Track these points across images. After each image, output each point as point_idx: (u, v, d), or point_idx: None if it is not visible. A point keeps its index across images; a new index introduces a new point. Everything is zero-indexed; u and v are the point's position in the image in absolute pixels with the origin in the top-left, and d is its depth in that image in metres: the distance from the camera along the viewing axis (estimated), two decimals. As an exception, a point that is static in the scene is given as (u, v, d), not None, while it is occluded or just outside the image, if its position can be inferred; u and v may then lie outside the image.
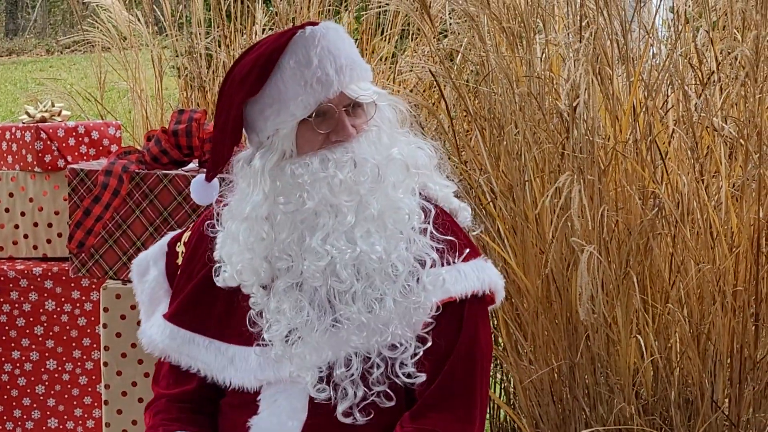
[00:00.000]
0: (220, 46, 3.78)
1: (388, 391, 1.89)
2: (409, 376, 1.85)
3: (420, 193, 1.90)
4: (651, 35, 3.00)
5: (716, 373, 2.69)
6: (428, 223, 1.88)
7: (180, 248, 2.11)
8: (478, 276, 1.88)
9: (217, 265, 1.93)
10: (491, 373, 2.95)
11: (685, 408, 2.78)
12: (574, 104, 2.75)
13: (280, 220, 1.89)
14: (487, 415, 3.02)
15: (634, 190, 2.74)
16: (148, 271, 2.12)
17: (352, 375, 1.88)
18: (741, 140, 2.67)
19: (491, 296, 1.91)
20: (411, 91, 3.28)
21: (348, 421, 1.89)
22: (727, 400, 2.69)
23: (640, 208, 2.74)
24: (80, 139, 2.99)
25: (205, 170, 2.06)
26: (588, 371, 2.83)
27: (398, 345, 1.85)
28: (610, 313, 2.75)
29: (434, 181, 1.93)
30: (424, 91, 3.32)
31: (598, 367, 2.82)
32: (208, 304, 2.02)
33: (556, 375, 2.91)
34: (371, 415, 1.90)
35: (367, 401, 1.87)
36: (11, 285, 2.91)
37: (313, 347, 1.87)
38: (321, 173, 1.85)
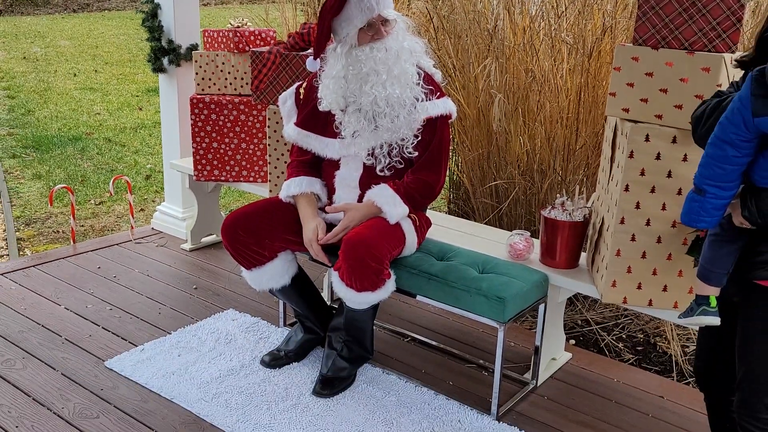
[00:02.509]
0: None
1: (401, 161, 2.58)
2: (410, 153, 2.55)
3: (416, 65, 2.57)
4: None
5: (556, 156, 3.44)
6: (420, 79, 2.54)
7: (301, 90, 2.72)
8: (444, 106, 2.58)
9: (320, 99, 2.56)
10: (450, 155, 3.51)
11: (541, 173, 3.49)
12: (495, 24, 3.52)
13: (350, 77, 2.48)
14: (447, 175, 3.64)
15: (522, 68, 3.47)
16: (286, 101, 2.73)
17: (384, 152, 2.56)
18: (575, 45, 3.35)
19: (450, 115, 2.57)
20: (415, 16, 3.82)
21: (382, 174, 2.59)
22: (560, 169, 3.43)
23: (524, 76, 3.47)
24: (256, 36, 3.67)
25: (312, 53, 2.62)
26: (496, 154, 3.58)
27: (405, 138, 2.54)
28: (508, 126, 3.50)
29: (423, 59, 2.60)
30: (423, 19, 3.80)
31: (500, 152, 3.57)
32: (316, 117, 2.61)
33: (480, 156, 3.63)
34: (393, 171, 2.60)
35: (391, 165, 2.58)
36: (224, 107, 3.65)
37: (365, 139, 2.55)
38: (370, 54, 2.47)
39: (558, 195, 2.87)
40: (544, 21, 3.50)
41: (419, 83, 2.50)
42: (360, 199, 2.60)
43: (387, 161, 2.54)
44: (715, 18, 2.19)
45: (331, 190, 2.66)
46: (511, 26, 3.52)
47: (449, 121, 2.60)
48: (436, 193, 2.57)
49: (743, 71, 1.76)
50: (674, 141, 2.22)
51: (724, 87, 2.13)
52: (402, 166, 2.56)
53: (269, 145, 3.40)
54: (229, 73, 3.72)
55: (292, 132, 2.64)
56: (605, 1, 3.36)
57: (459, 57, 3.62)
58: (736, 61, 1.78)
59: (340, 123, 2.55)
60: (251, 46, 3.68)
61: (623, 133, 2.34)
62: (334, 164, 2.62)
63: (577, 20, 3.40)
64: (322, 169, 2.72)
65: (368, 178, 2.59)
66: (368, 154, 2.53)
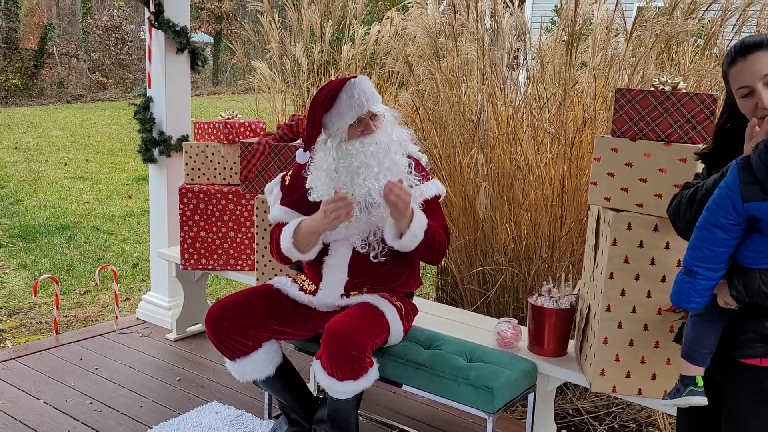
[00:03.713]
0: (313, 86, 4.56)
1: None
2: None
3: (406, 153, 2.63)
4: (516, 84, 3.74)
5: (542, 243, 3.49)
6: (411, 167, 2.60)
7: (287, 178, 2.72)
8: (435, 187, 2.65)
9: (310, 189, 2.58)
10: None
11: (527, 260, 3.54)
12: (479, 116, 3.62)
13: (341, 170, 2.51)
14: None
15: (506, 157, 3.58)
16: (273, 190, 2.76)
17: (378, 239, 2.57)
18: (557, 135, 3.44)
19: (439, 195, 2.65)
20: (402, 108, 3.92)
21: (375, 261, 2.54)
22: (546, 255, 3.48)
23: (509, 165, 3.57)
24: (246, 128, 3.76)
25: (303, 144, 2.66)
26: (482, 241, 3.62)
27: None
28: (494, 214, 3.56)
29: (411, 146, 2.63)
30: (409, 110, 3.93)
31: (487, 239, 3.62)
32: (304, 204, 2.62)
33: (467, 243, 3.68)
34: (387, 257, 2.56)
35: (386, 251, 2.58)
36: (212, 196, 3.72)
37: (360, 227, 2.56)
38: (360, 148, 2.51)
39: (544, 282, 2.89)
40: (527, 112, 3.61)
41: (411, 171, 2.57)
42: (347, 287, 2.60)
43: (381, 248, 2.56)
44: (689, 111, 2.27)
45: (317, 277, 2.67)
46: (494, 117, 3.63)
47: (439, 200, 2.68)
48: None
49: (703, 163, 1.84)
50: (656, 229, 2.26)
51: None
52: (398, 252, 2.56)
53: (257, 233, 3.44)
54: (218, 163, 3.80)
55: (278, 212, 2.66)
56: (585, 93, 3.48)
57: (444, 146, 3.72)
58: (696, 153, 1.86)
59: (334, 213, 2.56)
60: (241, 137, 3.77)
61: (606, 221, 2.38)
62: (322, 249, 2.64)
63: (559, 111, 3.50)
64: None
65: (359, 265, 2.60)
66: (362, 242, 2.56)
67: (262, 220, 3.42)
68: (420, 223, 2.46)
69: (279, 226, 2.65)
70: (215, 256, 3.80)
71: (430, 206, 2.60)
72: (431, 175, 2.67)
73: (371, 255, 2.55)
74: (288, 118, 3.59)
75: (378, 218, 2.51)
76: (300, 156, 2.69)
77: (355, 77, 2.51)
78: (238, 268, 3.79)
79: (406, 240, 2.45)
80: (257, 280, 3.47)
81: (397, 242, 2.46)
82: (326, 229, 2.48)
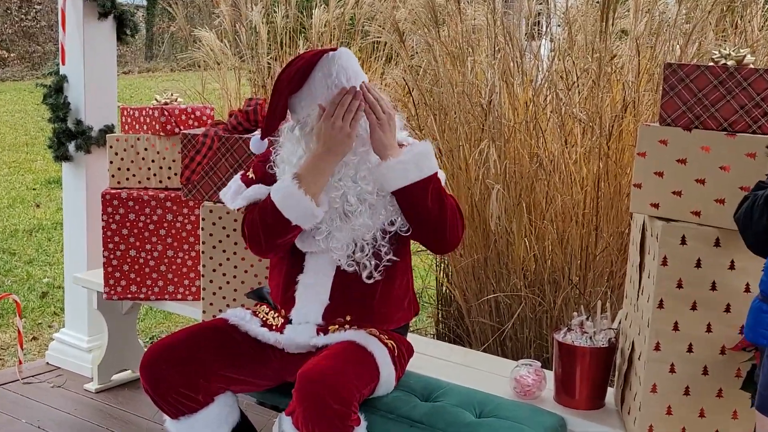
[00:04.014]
0: (276, 61, 4.57)
1: (393, 257, 2.57)
2: (407, 230, 2.55)
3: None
4: (537, 59, 3.76)
5: (571, 263, 3.53)
6: None
7: (250, 174, 2.73)
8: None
9: None
10: (438, 261, 3.79)
11: (553, 284, 3.55)
12: (490, 99, 3.64)
13: None
14: (434, 288, 3.88)
15: (525, 152, 3.60)
16: (231, 187, 2.74)
17: (367, 254, 2.53)
18: (590, 123, 3.48)
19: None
20: (391, 89, 3.98)
21: (370, 281, 2.54)
22: (577, 278, 3.52)
23: (528, 163, 3.59)
24: (189, 116, 3.78)
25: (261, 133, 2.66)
26: (495, 261, 3.64)
27: (394, 221, 2.55)
28: (509, 226, 3.58)
29: (400, 133, 2.62)
30: (400, 92, 3.99)
31: (501, 258, 3.65)
32: None
33: (476, 263, 3.71)
34: (383, 273, 2.54)
35: (380, 267, 2.54)
36: (146, 204, 3.73)
37: (341, 238, 2.52)
38: None
39: (575, 313, 2.90)
40: (551, 93, 3.64)
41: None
42: (327, 315, 2.62)
43: (374, 263, 2.58)
44: (759, 92, 2.29)
45: (288, 302, 2.68)
46: (510, 100, 3.67)
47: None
48: (458, 221, 2.60)
49: None
50: (717, 244, 2.28)
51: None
52: (397, 259, 2.60)
53: (204, 252, 3.44)
54: (152, 161, 3.81)
55: (252, 191, 2.67)
56: (625, 69, 3.53)
57: (446, 138, 3.76)
58: None
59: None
60: (182, 128, 3.79)
61: (653, 235, 2.39)
62: (297, 264, 2.66)
63: (592, 93, 3.55)
64: (275, 274, 2.76)
65: (344, 285, 2.63)
66: (348, 258, 2.58)
67: (210, 234, 3.44)
68: (423, 150, 2.51)
69: (254, 208, 2.66)
70: (149, 282, 3.80)
71: None
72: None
73: (364, 274, 2.57)
74: (243, 102, 3.55)
75: (362, 227, 2.54)
76: (256, 145, 2.74)
77: (334, 50, 2.55)
78: (180, 297, 3.80)
79: (401, 171, 2.47)
80: (204, 312, 3.47)
81: (390, 176, 2.48)
82: (337, 151, 2.49)
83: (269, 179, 2.66)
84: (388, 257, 2.59)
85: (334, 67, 2.51)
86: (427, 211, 2.52)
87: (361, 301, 2.66)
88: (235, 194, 2.73)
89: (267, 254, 2.71)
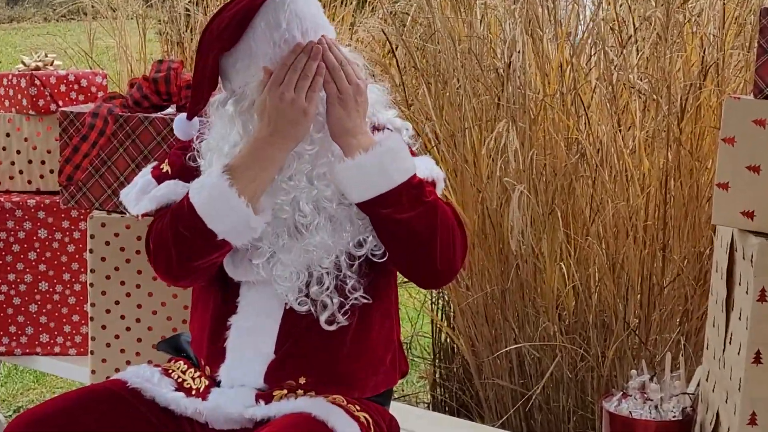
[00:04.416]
0: (198, 6, 4.57)
1: (364, 295, 2.54)
2: (379, 256, 2.55)
3: (374, 125, 2.59)
4: (577, 2, 3.75)
5: (628, 297, 3.49)
6: None
7: (164, 167, 2.76)
8: (426, 167, 2.65)
9: None
10: (434, 297, 3.83)
11: (601, 328, 3.56)
12: (509, 61, 3.62)
13: None
14: (429, 336, 3.88)
15: (560, 138, 3.59)
16: (137, 183, 2.77)
17: (326, 288, 2.51)
18: (653, 95, 3.49)
19: (434, 182, 2.64)
20: (366, 47, 4.00)
21: (332, 328, 2.51)
22: (637, 321, 3.50)
23: (565, 153, 3.58)
24: (70, 85, 3.82)
25: (185, 112, 2.67)
26: (517, 296, 3.63)
27: (365, 240, 2.55)
28: (537, 245, 3.56)
29: (380, 112, 2.65)
30: (379, 51, 4.05)
31: (526, 292, 3.64)
32: None
33: (489, 299, 3.69)
34: (355, 315, 2.54)
35: (348, 308, 2.51)
36: (7, 215, 3.73)
37: (289, 264, 2.51)
38: None
39: (634, 371, 2.90)
40: (598, 53, 3.66)
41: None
42: (270, 376, 2.59)
43: (337, 302, 2.55)
44: None
45: (215, 356, 2.65)
46: (537, 63, 3.68)
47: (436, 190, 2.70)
48: (457, 236, 2.58)
49: None
50: (838, 270, 2.26)
51: None
52: (369, 301, 2.59)
53: (92, 284, 3.48)
54: (18, 152, 3.85)
55: (164, 189, 2.66)
56: (703, 18, 3.56)
57: (444, 118, 3.76)
58: None
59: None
60: (61, 104, 3.81)
61: (745, 257, 2.38)
62: (229, 300, 2.65)
63: (657, 52, 3.55)
64: (199, 314, 2.76)
65: (295, 331, 2.61)
66: (299, 294, 2.54)
67: (102, 258, 3.47)
68: (392, 146, 2.47)
69: (165, 213, 2.65)
70: (13, 329, 3.80)
71: None
72: (416, 154, 2.72)
73: (322, 318, 2.53)
74: (151, 67, 3.61)
75: (320, 248, 2.51)
76: (182, 128, 2.73)
77: (281, -10, 2.60)
78: (58, 350, 3.81)
79: (360, 178, 2.44)
80: (93, 372, 3.49)
81: (346, 183, 2.46)
82: (287, 135, 2.45)
83: (190, 175, 2.65)
84: (356, 294, 2.57)
85: (283, 15, 2.51)
86: (404, 229, 2.50)
87: (322, 356, 2.64)
88: (141, 193, 2.73)
89: (180, 281, 2.69)
